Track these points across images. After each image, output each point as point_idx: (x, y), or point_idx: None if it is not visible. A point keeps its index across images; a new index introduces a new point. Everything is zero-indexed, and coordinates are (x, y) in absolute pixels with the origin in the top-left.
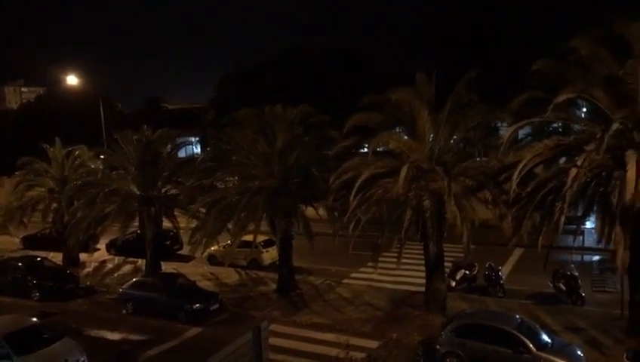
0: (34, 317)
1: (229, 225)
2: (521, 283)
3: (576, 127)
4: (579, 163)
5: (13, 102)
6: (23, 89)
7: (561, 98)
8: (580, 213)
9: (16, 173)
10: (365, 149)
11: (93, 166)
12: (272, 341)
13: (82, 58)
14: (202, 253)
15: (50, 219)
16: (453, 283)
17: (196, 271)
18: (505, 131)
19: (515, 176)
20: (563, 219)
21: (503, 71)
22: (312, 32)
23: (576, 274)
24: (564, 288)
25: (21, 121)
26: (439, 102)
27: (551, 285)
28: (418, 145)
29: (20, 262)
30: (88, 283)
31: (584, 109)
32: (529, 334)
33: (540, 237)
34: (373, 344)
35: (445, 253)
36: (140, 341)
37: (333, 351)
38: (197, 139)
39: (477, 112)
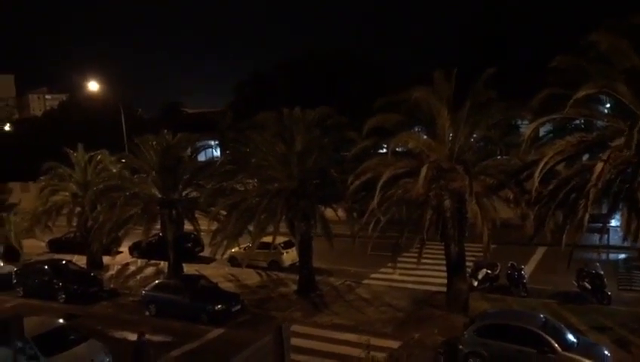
0: (60, 319)
1: (250, 227)
2: (545, 282)
3: (599, 123)
4: (604, 159)
5: (38, 110)
6: (46, 96)
7: (582, 93)
8: (604, 211)
9: (41, 178)
10: (383, 150)
11: (114, 170)
12: (294, 341)
13: (104, 64)
14: (223, 255)
15: (75, 223)
16: (475, 283)
17: (217, 273)
18: (525, 129)
19: (537, 174)
20: (587, 216)
21: (521, 68)
22: (329, 34)
23: (602, 272)
24: (589, 287)
25: (45, 127)
26: (457, 101)
27: (575, 284)
28: (438, 145)
29: (46, 265)
30: (112, 285)
31: (607, 105)
32: (554, 334)
33: (564, 236)
34: (394, 344)
35: (466, 253)
36: (162, 342)
37: (355, 352)
38: (216, 142)
39: (497, 110)
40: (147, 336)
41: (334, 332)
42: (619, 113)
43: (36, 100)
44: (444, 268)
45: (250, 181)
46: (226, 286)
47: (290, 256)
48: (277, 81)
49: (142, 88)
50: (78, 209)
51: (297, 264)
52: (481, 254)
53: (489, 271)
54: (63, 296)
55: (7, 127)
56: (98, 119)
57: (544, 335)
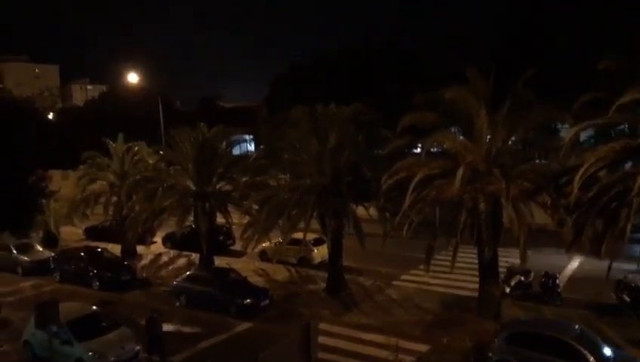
0: (94, 305)
1: (280, 222)
2: (581, 292)
3: None
4: None
5: (80, 100)
6: (88, 87)
7: (628, 98)
8: None
9: (81, 166)
10: (418, 149)
11: (151, 161)
12: (321, 339)
13: (143, 55)
14: (254, 249)
15: (111, 212)
16: (508, 290)
17: (247, 267)
18: (566, 133)
19: (577, 180)
20: (629, 226)
21: (560, 70)
22: (367, 27)
23: None
24: (628, 300)
25: (86, 117)
26: (495, 101)
27: (613, 296)
28: (474, 146)
29: (82, 252)
30: (144, 274)
31: None
32: (589, 346)
33: (603, 245)
34: (422, 348)
35: (500, 258)
36: (191, 333)
37: (383, 354)
38: (251, 137)
39: (537, 112)
40: (177, 326)
41: (362, 333)
42: None
43: (78, 90)
44: (477, 273)
45: (283, 176)
46: (256, 280)
47: (320, 253)
48: (314, 75)
49: (180, 81)
50: (114, 198)
51: (327, 261)
52: (515, 260)
53: (522, 278)
54: (97, 283)
55: (50, 116)
56: (136, 110)
57: (579, 347)
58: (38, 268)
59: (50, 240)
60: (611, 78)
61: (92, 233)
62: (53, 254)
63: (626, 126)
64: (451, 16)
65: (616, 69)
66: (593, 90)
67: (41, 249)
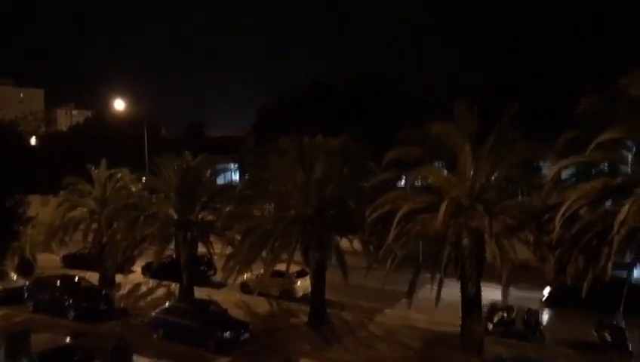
0: (67, 336)
1: (263, 254)
2: (563, 330)
3: (625, 169)
4: (627, 206)
5: (64, 125)
6: (73, 112)
7: (606, 137)
8: (628, 260)
9: (61, 192)
10: (403, 183)
11: (134, 189)
12: None
13: (130, 83)
14: (235, 281)
15: (90, 239)
16: (490, 326)
17: (228, 299)
18: (548, 170)
19: (558, 217)
20: (610, 264)
21: (544, 108)
22: (354, 64)
23: (623, 324)
24: (609, 339)
25: (69, 142)
26: (480, 135)
27: (595, 334)
28: (458, 181)
29: (58, 280)
30: (122, 304)
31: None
32: None
33: (585, 283)
34: None
35: (482, 294)
36: None
37: None
38: (236, 166)
39: (520, 149)
40: (152, 360)
41: None
42: None
43: (63, 115)
44: (459, 308)
45: (267, 206)
46: (236, 313)
47: (302, 286)
48: (301, 107)
49: (166, 108)
50: (94, 225)
51: (309, 295)
52: (499, 296)
53: (505, 315)
54: (73, 312)
55: (33, 141)
56: (122, 137)
57: None
58: (11, 297)
59: (25, 268)
60: (593, 118)
61: (70, 260)
62: (27, 282)
63: (606, 165)
64: (438, 52)
65: (597, 109)
66: (576, 129)
67: (14, 277)
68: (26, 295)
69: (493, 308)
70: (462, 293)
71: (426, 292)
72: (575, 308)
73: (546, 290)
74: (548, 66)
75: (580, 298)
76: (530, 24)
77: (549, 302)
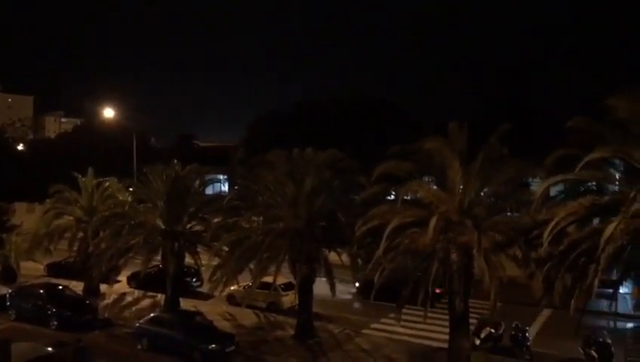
0: (49, 346)
1: (251, 266)
2: (550, 346)
3: (613, 187)
4: (614, 225)
5: (52, 132)
6: (62, 119)
7: (595, 156)
8: (615, 277)
9: (48, 200)
10: (393, 197)
11: (121, 198)
12: None
13: (120, 92)
14: (221, 292)
15: (76, 248)
16: (478, 342)
17: (214, 310)
18: (537, 187)
19: (546, 234)
20: (597, 282)
21: (541, 127)
22: (348, 80)
23: (609, 341)
24: (595, 356)
25: (57, 149)
26: (472, 154)
27: (581, 351)
28: (448, 196)
29: (41, 289)
30: (106, 314)
31: (621, 170)
32: None
33: (573, 300)
34: None
35: (470, 309)
36: None
37: None
38: (225, 177)
39: (509, 166)
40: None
41: None
42: (633, 179)
43: (52, 122)
44: (447, 323)
45: (256, 218)
46: (222, 325)
47: (289, 299)
48: (293, 121)
49: (156, 118)
50: (80, 234)
51: (296, 307)
52: (486, 312)
53: (493, 330)
54: (56, 322)
55: (20, 147)
56: (111, 145)
57: None
58: None
59: (8, 276)
60: (583, 137)
61: (54, 269)
62: (10, 290)
63: (594, 183)
64: (431, 70)
65: (586, 128)
66: (566, 147)
67: None
68: (8, 303)
69: (481, 323)
70: (449, 309)
71: (413, 306)
72: (379, 300)
73: (357, 284)
74: (537, 89)
75: (382, 292)
76: (523, 46)
77: (358, 293)
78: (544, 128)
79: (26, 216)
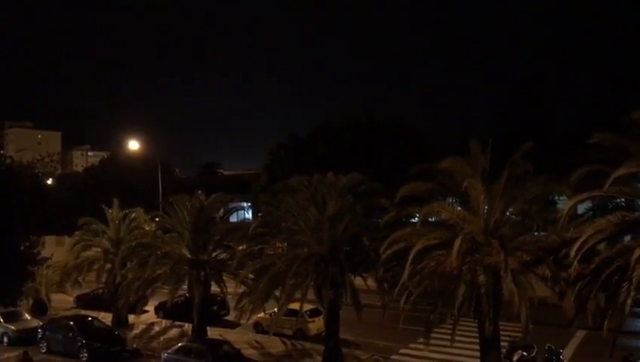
0: None
1: (277, 292)
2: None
3: None
4: None
5: (80, 166)
6: (89, 153)
7: (622, 172)
8: None
9: (76, 232)
10: (416, 219)
11: (147, 228)
12: None
13: (145, 124)
14: (248, 320)
15: (104, 279)
16: None
17: (241, 339)
18: (563, 205)
19: (573, 253)
20: (629, 301)
21: (557, 144)
22: (365, 103)
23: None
24: None
25: (84, 183)
26: (493, 173)
27: None
28: (472, 217)
29: (72, 321)
30: (135, 345)
31: None
32: None
33: (606, 320)
34: None
35: (501, 332)
36: None
37: None
38: (249, 204)
39: (534, 184)
40: None
41: None
42: None
43: (79, 157)
44: (477, 347)
45: (280, 245)
46: (250, 353)
47: (316, 325)
48: (313, 145)
49: (180, 151)
50: (108, 265)
51: (323, 334)
52: (518, 334)
53: (525, 354)
54: (86, 354)
55: (49, 181)
56: (136, 177)
57: None
58: (25, 338)
59: (39, 308)
60: (607, 152)
61: (84, 301)
62: (41, 323)
63: (622, 199)
64: (449, 90)
65: (610, 143)
66: (590, 163)
67: (29, 317)
68: (39, 335)
69: (513, 346)
70: (479, 332)
71: (443, 330)
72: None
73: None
74: (561, 105)
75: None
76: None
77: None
78: (568, 143)
79: (56, 249)
